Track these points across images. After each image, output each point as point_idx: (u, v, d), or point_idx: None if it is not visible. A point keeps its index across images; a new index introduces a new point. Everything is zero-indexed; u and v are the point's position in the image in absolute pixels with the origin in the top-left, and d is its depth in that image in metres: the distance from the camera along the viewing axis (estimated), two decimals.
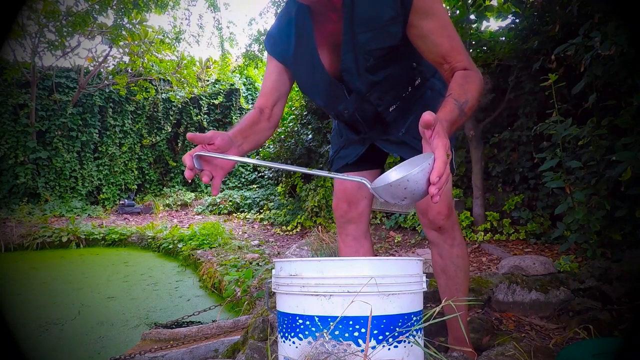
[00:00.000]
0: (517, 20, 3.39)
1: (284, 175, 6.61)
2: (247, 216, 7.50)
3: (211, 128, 10.75)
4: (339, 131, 1.35)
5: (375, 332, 0.76)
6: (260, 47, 7.14)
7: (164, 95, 10.30)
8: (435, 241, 1.20)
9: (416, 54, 1.03)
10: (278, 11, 7.02)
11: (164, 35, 9.72)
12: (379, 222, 4.63)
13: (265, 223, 6.75)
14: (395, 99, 1.14)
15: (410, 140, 1.15)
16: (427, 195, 0.71)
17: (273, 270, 0.90)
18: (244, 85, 11.10)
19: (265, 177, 8.45)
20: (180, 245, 5.03)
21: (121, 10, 8.42)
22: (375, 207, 4.35)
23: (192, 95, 10.40)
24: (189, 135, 0.86)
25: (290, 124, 6.38)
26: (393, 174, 0.80)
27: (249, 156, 1.00)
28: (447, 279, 1.21)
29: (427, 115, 0.69)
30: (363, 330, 0.75)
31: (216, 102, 10.70)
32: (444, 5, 0.97)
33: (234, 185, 10.57)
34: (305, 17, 1.05)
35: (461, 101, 0.84)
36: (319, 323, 0.77)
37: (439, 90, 1.16)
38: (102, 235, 6.25)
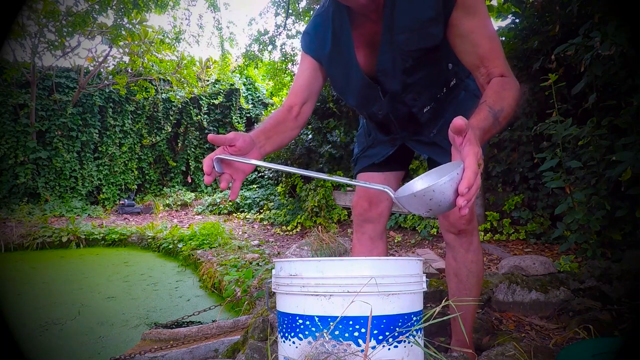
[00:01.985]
0: (517, 20, 3.39)
1: (283, 176, 6.61)
2: (247, 216, 7.50)
3: (211, 128, 10.76)
4: (367, 130, 1.33)
5: (375, 332, 0.76)
6: (260, 47, 7.15)
7: (164, 95, 10.30)
8: (451, 244, 1.19)
9: (452, 54, 1.00)
10: (278, 11, 7.02)
11: (164, 35, 9.72)
12: None
13: (265, 223, 6.75)
14: (430, 100, 1.11)
15: (441, 142, 1.13)
16: (454, 207, 0.67)
17: (273, 270, 0.90)
18: (244, 85, 11.10)
19: (265, 177, 8.45)
20: (180, 245, 5.03)
21: (121, 10, 8.43)
22: None
23: (192, 95, 10.40)
24: (210, 136, 0.83)
25: None
26: (418, 183, 0.75)
27: (271, 160, 0.98)
28: (459, 283, 1.20)
29: (458, 120, 0.64)
30: (363, 330, 0.75)
31: (216, 102, 10.70)
32: (486, 7, 0.94)
33: None
34: (343, 16, 1.03)
35: (496, 109, 0.80)
36: (319, 323, 0.77)
37: (473, 92, 1.13)
38: (102, 235, 6.25)
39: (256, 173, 10.20)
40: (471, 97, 1.13)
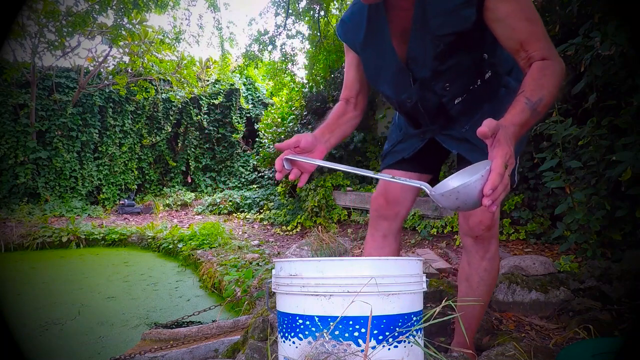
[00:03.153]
0: None
1: (285, 176, 6.60)
2: (247, 216, 7.50)
3: (211, 128, 10.76)
4: (398, 125, 1.34)
5: (375, 332, 0.76)
6: (260, 47, 7.14)
7: (164, 95, 10.30)
8: (468, 248, 1.17)
9: (488, 43, 0.99)
10: (278, 11, 7.02)
11: (164, 35, 9.71)
12: None
13: (265, 223, 6.75)
14: (462, 90, 1.08)
15: (472, 138, 1.09)
16: (481, 206, 0.69)
17: (273, 270, 0.90)
18: (244, 85, 11.10)
19: (265, 177, 8.45)
20: (180, 245, 5.03)
21: (121, 10, 8.43)
22: None
23: (192, 95, 10.40)
24: (276, 145, 0.98)
25: (290, 124, 6.38)
26: (450, 182, 0.79)
27: (334, 159, 1.07)
28: (468, 288, 1.18)
29: (483, 127, 0.66)
30: (363, 330, 0.75)
31: (216, 102, 10.70)
32: None
33: (234, 185, 10.57)
34: (378, 3, 1.04)
35: (533, 100, 0.78)
36: (319, 323, 0.77)
37: (514, 90, 1.10)
38: (102, 235, 6.25)
39: (256, 173, 10.19)
40: (512, 95, 1.10)
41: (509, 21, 0.88)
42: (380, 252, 1.31)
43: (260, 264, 3.59)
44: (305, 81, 7.05)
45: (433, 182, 1.38)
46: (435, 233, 3.75)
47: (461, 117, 1.13)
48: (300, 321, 0.79)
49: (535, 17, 0.88)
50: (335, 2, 6.69)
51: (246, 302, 2.65)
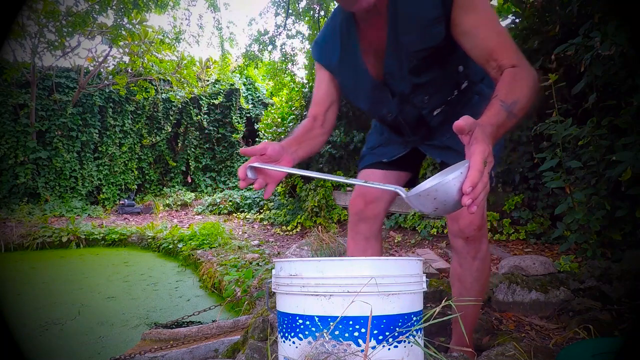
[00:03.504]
0: (517, 20, 3.39)
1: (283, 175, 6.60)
2: (247, 216, 7.50)
3: (211, 128, 10.76)
4: (380, 129, 1.34)
5: (375, 332, 0.76)
6: (260, 47, 7.14)
7: (164, 95, 10.30)
8: (459, 250, 1.15)
9: (462, 56, 1.01)
10: (278, 11, 7.02)
11: (164, 35, 9.72)
12: None
13: (265, 223, 6.75)
14: (440, 102, 1.12)
15: (455, 145, 1.11)
16: (461, 207, 0.66)
17: (273, 270, 0.90)
18: (244, 85, 11.10)
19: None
20: (180, 245, 5.03)
21: (121, 10, 8.43)
22: None
23: (192, 95, 10.40)
24: (242, 150, 0.92)
25: (290, 124, 6.38)
26: (428, 184, 0.75)
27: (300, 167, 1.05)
28: (462, 288, 1.18)
29: (459, 121, 0.64)
30: (363, 330, 0.75)
31: (216, 102, 10.70)
32: (488, 2, 0.96)
33: (234, 185, 10.57)
34: (350, 24, 1.08)
35: (508, 102, 0.79)
36: (319, 323, 0.77)
37: (487, 96, 1.14)
38: (102, 235, 6.25)
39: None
40: (485, 101, 1.12)
41: (475, 33, 0.91)
42: (364, 255, 1.31)
43: (260, 264, 3.59)
44: (305, 81, 7.04)
45: (413, 181, 1.37)
46: (435, 233, 3.75)
47: (441, 127, 1.17)
48: (300, 321, 0.79)
49: (501, 28, 0.91)
50: (335, 2, 6.69)
51: (246, 302, 2.65)
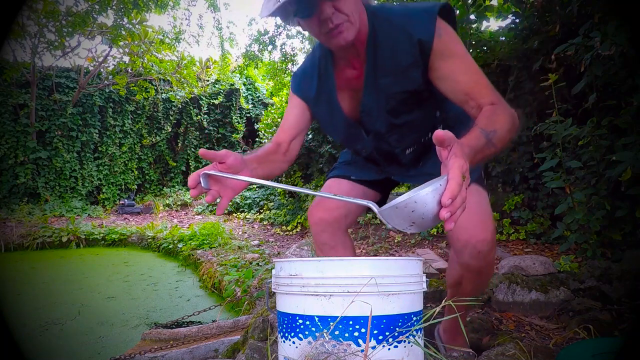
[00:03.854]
0: (517, 20, 3.39)
1: (284, 175, 6.61)
2: (247, 216, 7.50)
3: (211, 128, 10.76)
4: (354, 155, 1.34)
5: (375, 332, 0.76)
6: (260, 47, 7.15)
7: (164, 95, 10.30)
8: (464, 264, 1.03)
9: (440, 101, 1.03)
10: None
11: (164, 35, 9.72)
12: (378, 222, 4.63)
13: (265, 223, 6.75)
14: (414, 143, 1.14)
15: (430, 169, 1.13)
16: (438, 223, 0.64)
17: (273, 270, 0.90)
18: (244, 85, 11.10)
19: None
20: (180, 245, 5.03)
21: (121, 10, 8.43)
22: None
23: (192, 95, 10.41)
24: (201, 151, 0.84)
25: None
26: (404, 197, 0.71)
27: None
28: (459, 294, 1.10)
29: (439, 132, 0.63)
30: (363, 330, 0.75)
31: (216, 102, 10.70)
32: (464, 46, 0.98)
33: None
34: (328, 61, 1.10)
35: (488, 130, 0.78)
36: (319, 323, 0.77)
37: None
38: (102, 235, 6.25)
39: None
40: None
41: (453, 77, 0.93)
42: None
43: (260, 264, 3.59)
44: None
45: (380, 203, 1.33)
46: (435, 233, 3.75)
47: (413, 162, 1.19)
48: (300, 321, 0.79)
49: (478, 69, 0.94)
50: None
51: (246, 302, 2.65)
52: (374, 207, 0.73)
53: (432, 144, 1.13)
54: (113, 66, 9.46)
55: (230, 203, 7.82)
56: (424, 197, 0.62)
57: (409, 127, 1.09)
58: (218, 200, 0.88)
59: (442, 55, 0.94)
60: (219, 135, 10.89)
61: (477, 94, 0.90)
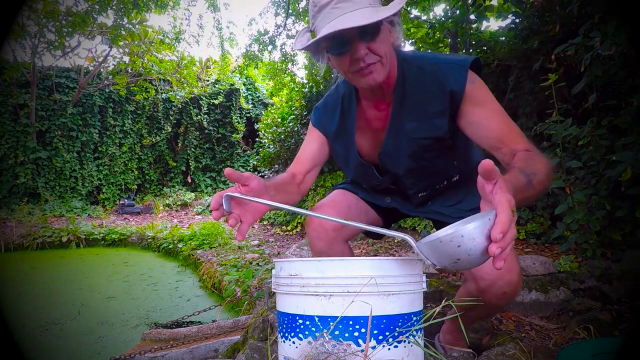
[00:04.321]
0: (517, 20, 3.39)
1: None
2: None
3: (211, 128, 10.76)
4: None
5: (375, 332, 0.76)
6: (260, 47, 7.14)
7: (164, 95, 10.30)
8: (487, 302, 0.98)
9: (459, 152, 1.04)
10: (278, 11, 7.01)
11: (164, 35, 9.72)
12: None
13: (265, 223, 6.75)
14: (428, 188, 1.15)
15: (439, 208, 1.15)
16: (485, 260, 0.59)
17: (273, 270, 0.90)
18: (244, 85, 11.10)
19: (265, 177, 8.45)
20: (180, 245, 5.03)
21: (121, 10, 8.43)
22: None
23: (192, 95, 10.41)
24: (226, 170, 0.80)
25: (290, 124, 6.38)
26: (448, 230, 0.66)
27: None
28: (470, 316, 1.06)
29: (487, 161, 0.57)
30: (363, 330, 0.75)
31: (216, 102, 10.70)
32: (494, 97, 0.98)
33: (234, 185, 10.58)
34: (352, 99, 1.12)
35: (528, 171, 0.75)
36: (319, 323, 0.77)
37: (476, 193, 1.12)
38: (102, 235, 6.25)
39: (256, 173, 10.19)
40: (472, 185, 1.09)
41: (485, 123, 0.94)
42: None
43: (260, 264, 3.59)
44: (305, 81, 7.04)
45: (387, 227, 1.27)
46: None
47: (424, 203, 1.20)
48: (300, 321, 0.79)
49: (509, 119, 0.94)
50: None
51: (246, 302, 2.65)
52: (410, 240, 0.68)
53: (445, 189, 1.15)
54: (113, 66, 9.46)
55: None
56: (472, 230, 0.56)
57: (426, 173, 1.10)
58: (238, 224, 0.85)
59: (474, 102, 0.95)
60: (219, 135, 10.90)
61: (511, 140, 0.89)
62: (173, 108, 10.45)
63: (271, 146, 6.75)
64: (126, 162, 9.95)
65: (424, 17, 4.85)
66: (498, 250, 0.55)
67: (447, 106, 0.97)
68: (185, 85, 10.01)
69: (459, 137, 1.04)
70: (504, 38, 3.74)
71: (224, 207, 0.81)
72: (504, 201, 0.57)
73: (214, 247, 4.67)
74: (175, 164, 10.60)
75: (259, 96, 11.29)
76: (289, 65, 7.31)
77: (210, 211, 0.84)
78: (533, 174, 0.75)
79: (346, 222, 0.82)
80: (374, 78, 0.95)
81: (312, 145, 1.18)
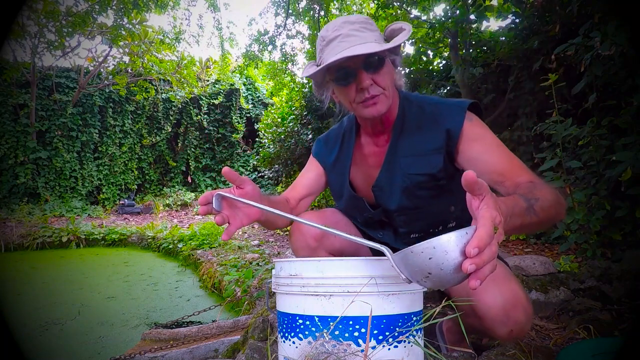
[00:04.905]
0: (517, 20, 3.39)
1: (284, 175, 6.61)
2: None
3: (211, 128, 10.76)
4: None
5: (375, 332, 0.76)
6: (260, 47, 7.14)
7: (164, 95, 10.31)
8: (494, 335, 0.92)
9: (457, 198, 0.98)
10: (278, 11, 7.01)
11: (164, 35, 9.73)
12: None
13: None
14: (422, 231, 1.13)
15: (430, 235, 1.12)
16: (460, 280, 0.54)
17: (273, 270, 0.90)
18: (244, 85, 11.11)
19: (265, 177, 8.45)
20: (180, 245, 5.03)
21: (121, 10, 8.43)
22: None
23: (192, 95, 10.41)
24: (225, 169, 0.81)
25: (290, 124, 6.38)
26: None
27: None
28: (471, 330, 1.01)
29: (471, 173, 0.54)
30: (363, 330, 0.75)
31: (216, 102, 10.70)
32: (492, 132, 0.98)
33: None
34: (352, 134, 1.16)
35: (528, 196, 0.72)
36: (319, 323, 0.77)
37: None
38: (102, 235, 6.25)
39: (256, 173, 10.20)
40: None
41: (485, 157, 0.93)
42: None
43: (260, 264, 3.59)
44: (305, 81, 7.04)
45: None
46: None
47: (413, 242, 1.18)
48: (300, 321, 0.79)
49: (511, 153, 0.93)
50: (335, 2, 6.69)
51: (246, 302, 2.65)
52: (386, 251, 0.66)
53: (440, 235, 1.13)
54: (113, 66, 9.46)
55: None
56: (444, 242, 0.52)
57: (419, 214, 1.08)
58: (226, 225, 0.85)
59: (471, 138, 0.96)
60: (219, 135, 10.90)
61: (513, 173, 0.87)
62: (173, 108, 10.45)
63: (271, 146, 6.75)
64: (126, 162, 9.95)
65: (424, 17, 4.85)
66: (472, 266, 0.51)
67: (443, 144, 0.98)
68: (185, 85, 10.02)
69: (457, 182, 0.98)
70: (504, 38, 3.74)
71: (214, 205, 0.81)
72: (486, 216, 0.53)
73: (214, 247, 4.67)
74: (175, 164, 10.60)
75: (259, 96, 11.29)
76: (289, 65, 7.31)
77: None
78: (535, 199, 0.73)
79: (324, 228, 0.80)
80: (377, 109, 0.98)
81: (309, 174, 1.24)
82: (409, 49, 4.91)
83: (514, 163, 0.90)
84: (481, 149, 0.94)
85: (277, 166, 6.92)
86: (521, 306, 0.85)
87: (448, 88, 4.23)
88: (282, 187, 6.54)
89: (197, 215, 8.36)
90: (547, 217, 0.74)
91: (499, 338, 0.90)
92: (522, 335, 0.88)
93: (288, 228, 1.28)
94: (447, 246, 0.52)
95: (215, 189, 9.71)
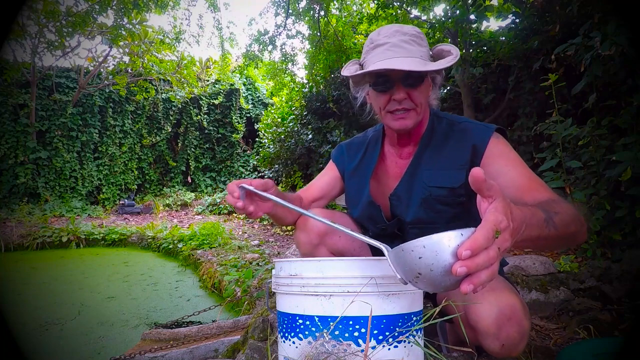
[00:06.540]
0: (517, 20, 3.39)
1: (284, 175, 6.61)
2: None
3: (211, 128, 10.77)
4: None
5: (375, 332, 0.76)
6: (260, 47, 7.14)
7: (164, 95, 10.30)
8: (488, 350, 0.88)
9: (475, 217, 0.96)
10: (278, 11, 7.01)
11: (164, 35, 9.72)
12: None
13: (265, 223, 6.75)
14: None
15: None
16: (452, 284, 0.51)
17: (273, 270, 0.90)
18: (244, 85, 11.11)
19: (266, 177, 8.46)
20: (180, 245, 5.03)
21: (121, 10, 8.43)
22: None
23: (192, 95, 10.41)
24: (251, 186, 0.91)
25: (290, 124, 6.38)
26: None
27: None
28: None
29: (476, 169, 0.50)
30: (363, 330, 0.75)
31: (216, 102, 10.70)
32: (516, 152, 1.00)
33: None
34: (377, 144, 1.17)
35: (548, 209, 0.70)
36: (319, 323, 0.77)
37: None
38: (102, 235, 6.25)
39: (256, 173, 10.21)
40: None
41: (505, 170, 0.94)
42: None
43: (260, 264, 3.59)
44: (305, 81, 7.04)
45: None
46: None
47: None
48: (300, 321, 0.79)
49: (533, 173, 0.94)
50: (335, 2, 6.69)
51: (246, 302, 2.65)
52: (385, 250, 0.67)
53: None
54: (113, 66, 9.46)
55: (229, 205, 7.92)
56: (435, 242, 0.50)
57: (433, 230, 1.02)
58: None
59: (495, 154, 0.97)
60: (219, 135, 10.90)
61: (533, 189, 0.87)
62: (173, 108, 10.45)
63: (271, 146, 6.76)
64: (126, 162, 9.95)
65: (424, 17, 4.85)
66: (462, 269, 0.47)
67: (468, 160, 0.99)
68: (185, 85, 10.02)
69: (476, 204, 0.96)
70: (504, 38, 3.74)
71: (239, 197, 0.90)
72: (490, 219, 0.50)
73: (214, 247, 4.67)
74: (175, 164, 10.60)
75: (259, 96, 11.29)
76: (289, 65, 7.31)
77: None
78: (555, 212, 0.70)
79: (330, 223, 0.83)
80: (405, 123, 1.00)
81: (325, 177, 1.25)
82: None
83: (534, 180, 0.91)
84: (503, 163, 0.95)
85: (277, 166, 6.93)
86: (516, 321, 0.80)
87: (448, 88, 4.23)
88: (282, 187, 6.53)
89: (197, 215, 8.37)
90: (567, 233, 0.71)
91: (490, 352, 0.85)
92: (515, 353, 0.82)
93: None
94: (438, 246, 0.50)
95: (215, 189, 9.65)
